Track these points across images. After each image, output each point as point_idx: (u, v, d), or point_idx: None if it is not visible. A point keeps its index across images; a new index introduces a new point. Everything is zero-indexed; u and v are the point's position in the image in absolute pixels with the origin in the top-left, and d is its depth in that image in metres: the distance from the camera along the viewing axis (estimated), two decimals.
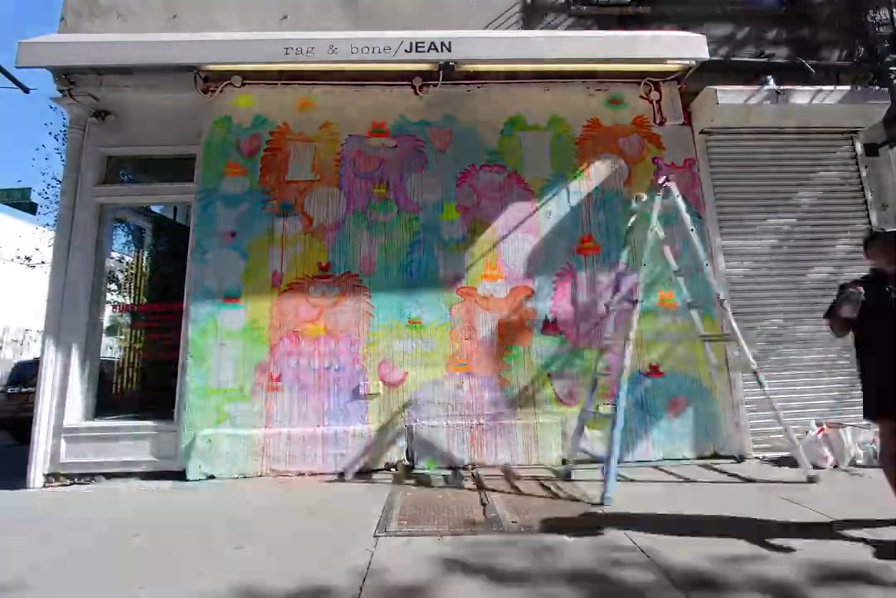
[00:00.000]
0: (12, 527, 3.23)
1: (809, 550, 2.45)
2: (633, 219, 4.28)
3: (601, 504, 3.22)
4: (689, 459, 4.41)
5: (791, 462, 4.27)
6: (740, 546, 2.52)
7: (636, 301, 3.78)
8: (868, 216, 5.07)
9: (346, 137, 4.98)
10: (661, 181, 4.10)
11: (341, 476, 4.20)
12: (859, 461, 4.16)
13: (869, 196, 5.10)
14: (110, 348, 5.01)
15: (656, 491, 3.65)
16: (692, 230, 4.01)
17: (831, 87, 4.94)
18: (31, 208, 8.13)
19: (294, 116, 5.00)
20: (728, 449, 4.46)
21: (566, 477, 3.93)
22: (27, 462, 4.27)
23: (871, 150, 5.23)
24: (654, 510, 3.12)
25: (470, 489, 3.72)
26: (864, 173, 5.15)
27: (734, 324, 3.89)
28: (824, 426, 4.30)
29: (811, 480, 3.66)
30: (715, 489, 3.65)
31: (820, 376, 4.74)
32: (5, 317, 18.43)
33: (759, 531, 2.70)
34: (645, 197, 4.17)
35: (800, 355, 4.78)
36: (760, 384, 3.78)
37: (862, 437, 4.23)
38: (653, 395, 4.56)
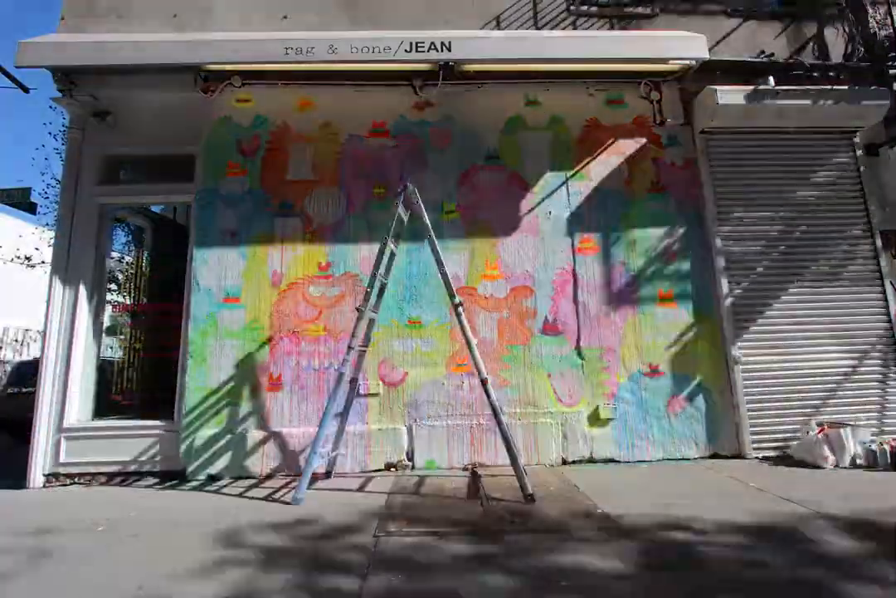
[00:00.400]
0: (12, 528, 3.22)
1: None
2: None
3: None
4: (689, 459, 4.41)
5: (792, 463, 4.30)
6: None
7: (358, 309, 3.86)
8: (867, 216, 5.07)
9: (346, 136, 4.98)
10: (399, 189, 4.07)
11: (342, 476, 4.19)
12: (860, 461, 4.15)
13: (868, 196, 5.10)
14: (110, 348, 5.00)
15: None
16: (430, 237, 3.96)
17: (831, 87, 4.95)
18: (31, 208, 8.14)
19: (294, 116, 5.00)
20: (728, 449, 4.48)
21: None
22: (27, 462, 4.28)
23: (871, 149, 5.23)
24: None
25: (470, 489, 3.72)
26: (863, 173, 5.14)
27: (469, 333, 3.74)
28: (825, 426, 4.30)
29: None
30: None
31: (821, 377, 4.73)
32: (5, 317, 18.42)
33: None
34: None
35: (799, 355, 4.77)
36: (487, 394, 3.66)
37: (862, 437, 4.24)
38: (652, 395, 4.56)
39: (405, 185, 4.07)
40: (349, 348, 3.81)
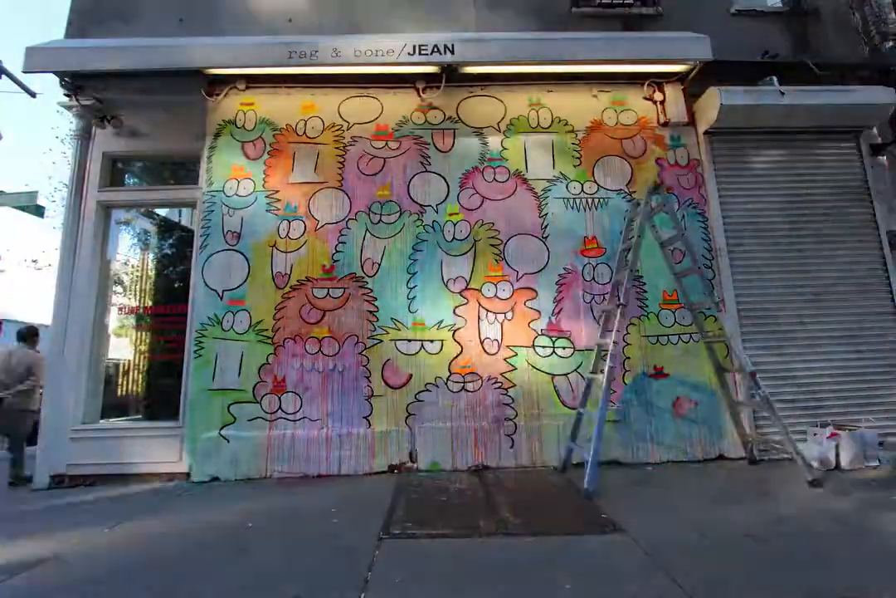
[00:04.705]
0: (15, 529, 3.24)
1: None
2: (636, 222, 4.29)
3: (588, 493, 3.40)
4: (694, 461, 4.38)
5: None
6: None
7: (620, 304, 3.92)
8: (874, 216, 5.04)
9: (349, 139, 5.00)
10: (657, 185, 4.23)
11: (345, 478, 4.20)
12: (867, 463, 4.12)
13: (874, 196, 5.06)
14: (116, 350, 5.03)
15: None
16: (684, 233, 4.09)
17: (836, 87, 4.92)
18: (38, 212, 8.20)
19: (298, 119, 5.02)
20: (735, 450, 4.44)
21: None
22: (34, 464, 4.30)
23: (877, 149, 5.20)
24: None
25: (474, 491, 3.71)
26: (869, 173, 5.12)
27: (727, 325, 3.91)
28: (832, 428, 4.27)
29: None
30: None
31: (827, 378, 4.70)
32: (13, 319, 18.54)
33: None
34: (646, 202, 4.28)
35: (806, 356, 4.74)
36: (758, 386, 3.78)
37: (869, 438, 4.20)
38: (657, 396, 4.54)
39: (661, 180, 4.32)
40: (614, 343, 3.81)
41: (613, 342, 3.80)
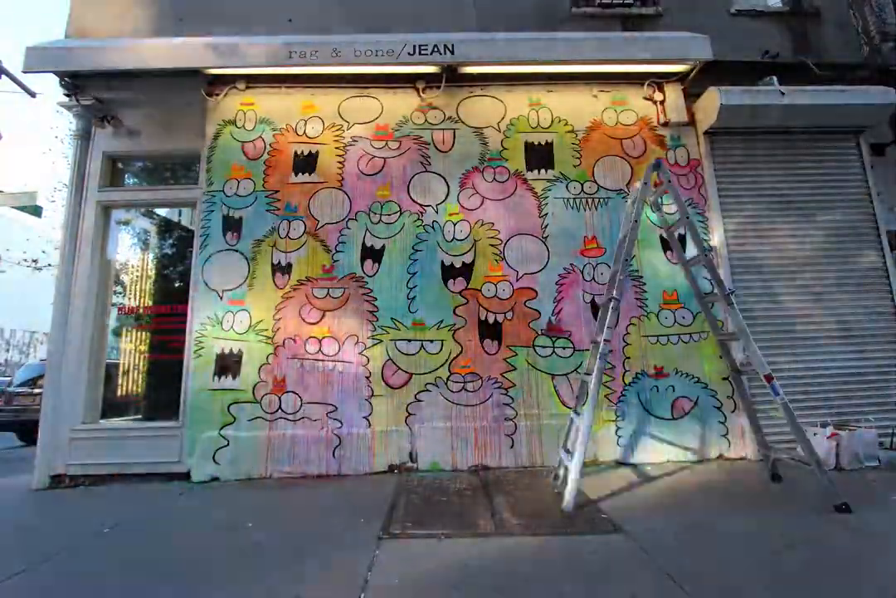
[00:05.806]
0: (14, 528, 3.24)
1: None
2: (634, 207, 3.88)
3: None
4: (694, 461, 4.38)
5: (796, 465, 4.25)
6: None
7: (612, 298, 3.60)
8: (874, 216, 5.04)
9: (349, 139, 5.00)
10: (658, 164, 3.90)
11: (345, 478, 4.19)
12: (867, 464, 4.12)
13: (874, 196, 5.07)
14: (116, 350, 5.03)
15: None
16: (688, 216, 3.70)
17: (836, 87, 4.93)
18: (36, 212, 8.20)
19: (298, 119, 5.02)
20: (734, 451, 4.44)
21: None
22: (33, 464, 4.30)
23: (877, 149, 5.20)
24: None
25: (474, 491, 3.71)
26: (869, 173, 5.12)
27: (743, 322, 3.49)
28: (834, 428, 4.27)
29: None
30: None
31: (827, 378, 4.70)
32: (13, 320, 18.56)
33: None
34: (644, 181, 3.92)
35: (806, 356, 4.74)
36: (776, 392, 3.29)
37: (869, 438, 4.20)
38: (657, 396, 4.54)
39: (658, 160, 3.93)
40: (605, 341, 3.46)
41: (605, 340, 3.46)
